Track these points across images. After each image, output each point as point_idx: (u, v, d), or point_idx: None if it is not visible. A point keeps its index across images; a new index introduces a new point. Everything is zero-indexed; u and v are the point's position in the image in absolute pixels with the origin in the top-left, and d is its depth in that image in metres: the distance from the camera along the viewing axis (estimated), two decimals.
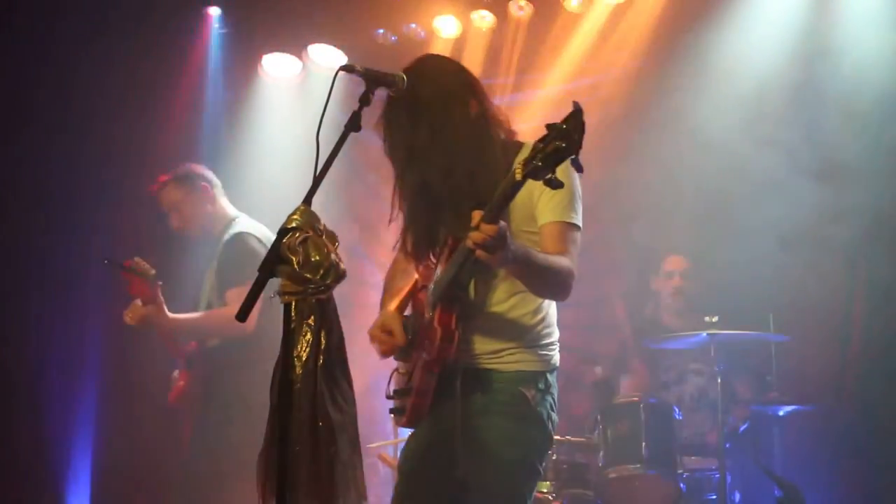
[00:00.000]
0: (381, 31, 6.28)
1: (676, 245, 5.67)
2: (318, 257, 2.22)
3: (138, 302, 4.46)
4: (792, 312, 5.13)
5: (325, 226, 2.29)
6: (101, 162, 5.70)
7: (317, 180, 2.38)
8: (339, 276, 2.26)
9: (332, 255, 2.24)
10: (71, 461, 5.66)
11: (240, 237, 4.61)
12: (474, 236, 2.38)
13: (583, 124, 2.19)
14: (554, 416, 2.86)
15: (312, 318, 2.25)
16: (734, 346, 5.02)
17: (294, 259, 2.20)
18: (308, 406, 2.22)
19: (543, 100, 6.04)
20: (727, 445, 4.86)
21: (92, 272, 5.45)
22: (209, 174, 4.84)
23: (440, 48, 6.11)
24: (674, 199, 5.76)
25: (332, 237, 2.29)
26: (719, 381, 4.87)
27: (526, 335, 2.82)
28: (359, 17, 6.20)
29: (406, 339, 2.85)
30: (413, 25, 6.20)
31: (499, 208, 2.38)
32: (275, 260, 2.22)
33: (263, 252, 4.49)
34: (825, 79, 5.30)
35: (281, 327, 4.43)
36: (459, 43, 6.14)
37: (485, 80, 2.98)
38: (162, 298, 4.46)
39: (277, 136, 6.30)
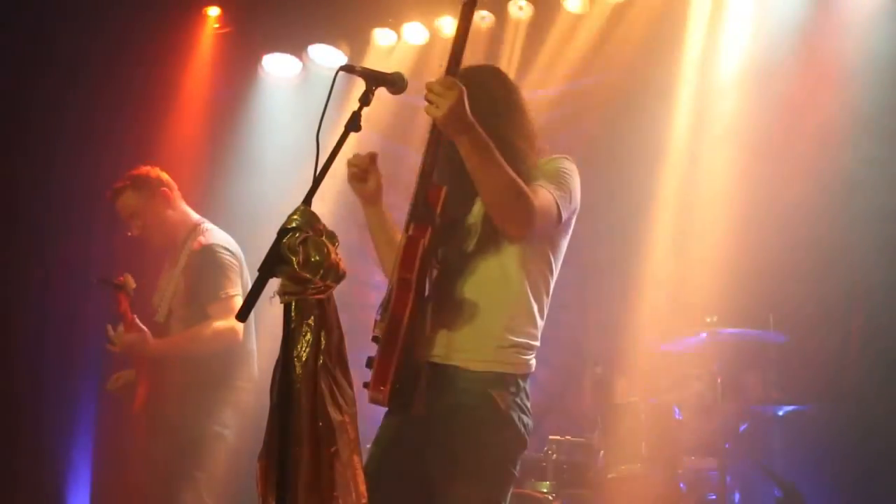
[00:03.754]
0: (381, 30, 6.28)
1: (675, 244, 5.67)
2: (317, 257, 2.22)
3: (121, 328, 4.36)
4: (792, 311, 5.13)
5: (325, 226, 2.29)
6: (98, 163, 5.70)
7: (317, 180, 2.38)
8: (339, 276, 2.25)
9: (332, 255, 2.24)
10: (72, 462, 5.66)
11: (211, 249, 4.49)
12: (428, 83, 2.43)
13: None
14: (525, 418, 2.74)
15: (312, 318, 2.25)
16: (733, 345, 5.03)
17: (294, 259, 2.20)
18: (308, 406, 2.21)
19: (543, 100, 6.03)
20: (727, 445, 4.86)
21: (92, 274, 5.45)
22: (166, 177, 4.65)
23: (440, 48, 6.11)
24: (672, 199, 5.76)
25: (332, 237, 2.29)
26: (719, 380, 4.87)
27: (504, 334, 2.72)
28: (359, 17, 6.20)
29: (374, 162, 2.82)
30: (413, 25, 6.19)
31: (455, 54, 2.49)
32: (275, 260, 2.22)
33: (235, 263, 4.49)
34: (824, 82, 5.30)
35: (244, 351, 4.46)
36: None
37: None
38: (143, 326, 4.36)
39: (277, 136, 6.30)
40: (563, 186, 2.75)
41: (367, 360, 2.70)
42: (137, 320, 4.37)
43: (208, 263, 4.47)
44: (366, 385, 2.67)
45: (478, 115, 2.56)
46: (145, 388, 4.47)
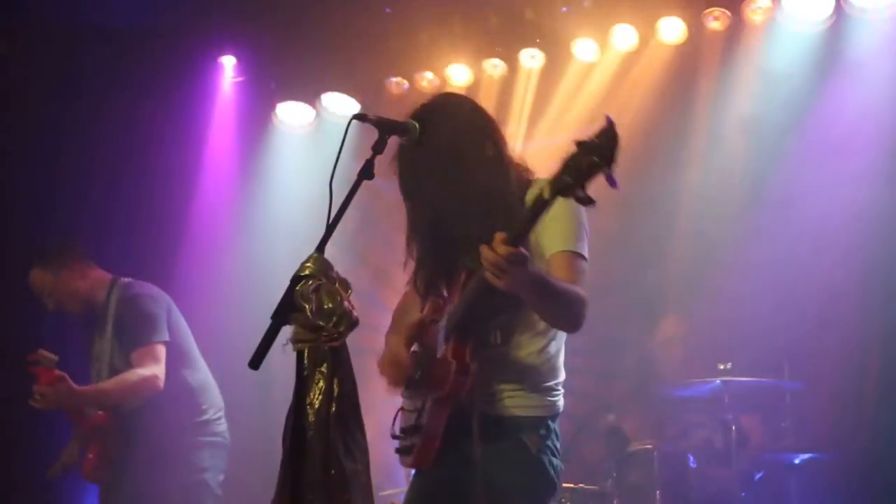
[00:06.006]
0: (394, 79, 6.33)
1: (688, 291, 5.66)
2: (330, 305, 2.22)
3: (44, 387, 4.25)
4: (807, 358, 5.10)
5: (338, 273, 2.30)
6: (115, 209, 5.74)
7: (330, 228, 2.39)
8: (352, 323, 2.25)
9: (345, 303, 2.25)
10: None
11: (131, 300, 4.47)
12: (488, 256, 2.30)
13: (616, 138, 2.14)
14: (556, 461, 2.74)
15: (325, 365, 2.25)
16: (748, 393, 5.00)
17: (307, 306, 2.20)
18: (320, 454, 2.21)
19: (555, 148, 6.04)
20: (742, 494, 4.81)
21: None
22: (72, 244, 4.63)
23: None
24: (686, 245, 5.76)
25: (345, 284, 2.29)
26: (734, 428, 4.83)
27: (529, 377, 2.71)
28: (372, 66, 6.26)
29: (414, 370, 2.78)
30: (425, 74, 6.25)
31: (524, 229, 2.31)
32: (288, 307, 2.22)
33: (158, 311, 4.43)
34: (835, 126, 5.32)
35: (199, 387, 4.38)
36: (471, 91, 6.17)
37: None
38: (65, 375, 4.25)
39: (291, 183, 6.33)
40: (584, 243, 2.71)
41: (399, 430, 2.83)
42: (66, 377, 4.24)
43: (130, 313, 4.45)
44: (398, 451, 2.80)
45: (454, 158, 2.65)
46: (96, 451, 4.43)
